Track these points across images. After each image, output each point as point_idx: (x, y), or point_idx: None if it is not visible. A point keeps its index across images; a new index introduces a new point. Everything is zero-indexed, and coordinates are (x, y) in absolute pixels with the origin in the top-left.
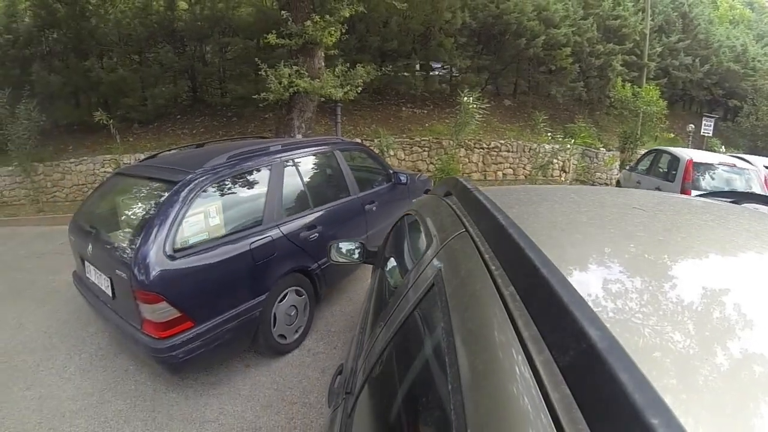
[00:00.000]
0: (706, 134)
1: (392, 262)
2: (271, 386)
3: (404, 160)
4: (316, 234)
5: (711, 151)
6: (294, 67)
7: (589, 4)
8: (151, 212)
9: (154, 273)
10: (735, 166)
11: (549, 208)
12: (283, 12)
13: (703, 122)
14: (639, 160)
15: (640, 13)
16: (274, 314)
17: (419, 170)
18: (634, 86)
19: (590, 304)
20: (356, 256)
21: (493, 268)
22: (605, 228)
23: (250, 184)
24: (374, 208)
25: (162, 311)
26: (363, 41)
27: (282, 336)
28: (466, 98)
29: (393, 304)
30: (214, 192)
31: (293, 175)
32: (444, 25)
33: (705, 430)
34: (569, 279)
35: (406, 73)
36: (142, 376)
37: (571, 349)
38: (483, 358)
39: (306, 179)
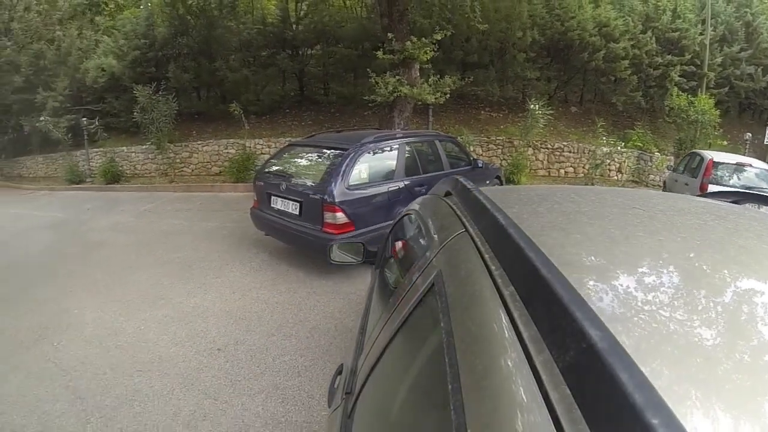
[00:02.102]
0: None
1: (392, 262)
2: None
3: (481, 155)
4: (423, 190)
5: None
6: (396, 76)
7: (650, 17)
8: (335, 165)
9: (338, 196)
10: (751, 165)
11: (549, 208)
12: (389, 34)
13: (767, 131)
14: (680, 162)
15: (699, 24)
16: None
17: (493, 163)
18: (689, 96)
19: (590, 304)
20: (357, 256)
21: (493, 268)
22: (605, 228)
23: (388, 154)
24: None
25: (339, 218)
26: (448, 54)
27: None
28: (533, 106)
29: (393, 304)
30: (370, 155)
31: (411, 152)
32: (516, 42)
33: (705, 430)
34: (569, 279)
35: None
36: (300, 273)
37: (571, 349)
38: (483, 358)
39: (417, 156)
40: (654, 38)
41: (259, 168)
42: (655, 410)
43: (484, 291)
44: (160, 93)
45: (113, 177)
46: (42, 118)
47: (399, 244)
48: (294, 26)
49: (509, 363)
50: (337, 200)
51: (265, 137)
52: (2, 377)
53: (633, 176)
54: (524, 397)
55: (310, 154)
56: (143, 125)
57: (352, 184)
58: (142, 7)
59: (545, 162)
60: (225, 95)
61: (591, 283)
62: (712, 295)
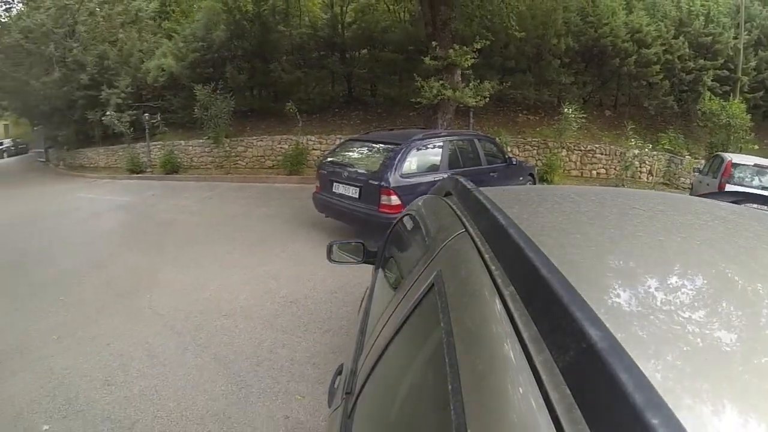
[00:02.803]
0: None
1: (392, 262)
2: None
3: (518, 155)
4: None
5: None
6: (440, 81)
7: (683, 22)
8: (390, 157)
9: (393, 182)
10: None
11: (549, 208)
12: (433, 42)
13: None
14: (706, 164)
15: (733, 28)
16: None
17: (527, 162)
18: (721, 100)
19: (590, 304)
20: (357, 255)
21: (493, 268)
22: (605, 228)
23: (434, 150)
24: (495, 176)
25: (393, 201)
26: (488, 59)
27: None
28: (566, 109)
29: (393, 304)
30: (418, 150)
31: (453, 149)
32: (552, 48)
33: (706, 430)
34: (569, 279)
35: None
36: None
37: (571, 349)
38: (483, 358)
39: (459, 152)
40: (686, 43)
41: (321, 158)
42: (655, 410)
43: (484, 291)
44: (218, 92)
45: (172, 167)
46: (108, 113)
47: (399, 244)
48: (343, 31)
49: (509, 363)
50: (392, 185)
51: (316, 134)
52: (107, 318)
53: (663, 178)
54: (524, 397)
55: (367, 148)
56: (201, 121)
57: (404, 173)
58: (198, 12)
59: (578, 163)
60: (277, 94)
61: (591, 283)
62: (713, 295)
